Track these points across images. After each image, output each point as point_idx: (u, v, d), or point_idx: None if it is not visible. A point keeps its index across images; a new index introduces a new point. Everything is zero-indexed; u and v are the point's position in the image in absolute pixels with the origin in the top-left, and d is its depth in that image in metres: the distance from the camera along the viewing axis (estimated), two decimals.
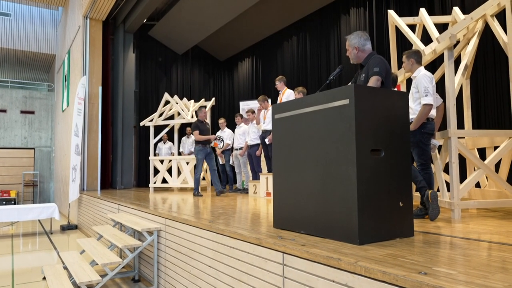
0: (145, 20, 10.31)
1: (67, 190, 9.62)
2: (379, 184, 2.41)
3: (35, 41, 13.62)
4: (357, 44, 2.97)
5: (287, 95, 6.21)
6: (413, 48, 4.17)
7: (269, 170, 6.82)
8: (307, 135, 2.66)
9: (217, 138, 7.23)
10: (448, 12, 5.86)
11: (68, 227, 8.24)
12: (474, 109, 5.57)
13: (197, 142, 6.74)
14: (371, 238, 2.35)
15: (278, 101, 6.51)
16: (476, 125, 5.53)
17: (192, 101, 8.80)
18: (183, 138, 9.67)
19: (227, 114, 11.72)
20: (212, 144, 6.95)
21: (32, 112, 14.58)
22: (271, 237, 2.58)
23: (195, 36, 11.34)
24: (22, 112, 14.40)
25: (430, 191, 3.07)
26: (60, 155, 12.10)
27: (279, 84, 6.45)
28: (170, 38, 11.70)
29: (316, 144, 2.58)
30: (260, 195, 6.35)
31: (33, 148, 14.55)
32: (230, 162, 8.12)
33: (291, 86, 8.31)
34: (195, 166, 7.03)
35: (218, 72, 13.05)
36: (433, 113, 3.37)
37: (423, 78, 3.31)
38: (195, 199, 6.01)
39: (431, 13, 6.24)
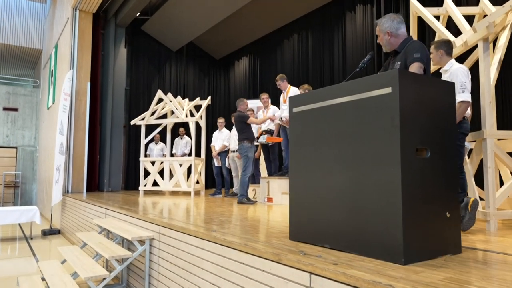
0: (138, 14, 9.81)
1: (51, 192, 9.02)
2: (425, 190, 2.00)
3: (21, 35, 12.98)
4: (389, 28, 2.57)
5: (292, 92, 5.80)
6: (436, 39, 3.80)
7: (269, 174, 6.38)
8: (335, 130, 2.24)
9: (266, 131, 6.16)
10: (461, 4, 5.56)
11: (50, 232, 7.66)
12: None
13: (243, 139, 5.58)
14: (417, 257, 1.93)
15: (282, 101, 6.08)
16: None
17: (187, 99, 8.32)
18: (176, 139, 9.15)
19: (223, 114, 11.24)
20: (264, 140, 5.80)
21: (16, 109, 13.88)
22: (292, 252, 2.15)
23: (190, 33, 10.87)
24: (4, 109, 13.68)
25: (472, 199, 2.67)
26: (44, 155, 11.46)
27: (281, 83, 6.02)
28: (164, 34, 11.21)
29: (346, 141, 2.16)
30: (260, 201, 5.90)
31: (16, 147, 13.83)
32: (226, 165, 7.67)
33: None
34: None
35: (214, 70, 12.58)
36: (468, 111, 2.99)
37: (459, 72, 2.92)
38: (188, 205, 5.52)
39: (442, 5, 5.94)
